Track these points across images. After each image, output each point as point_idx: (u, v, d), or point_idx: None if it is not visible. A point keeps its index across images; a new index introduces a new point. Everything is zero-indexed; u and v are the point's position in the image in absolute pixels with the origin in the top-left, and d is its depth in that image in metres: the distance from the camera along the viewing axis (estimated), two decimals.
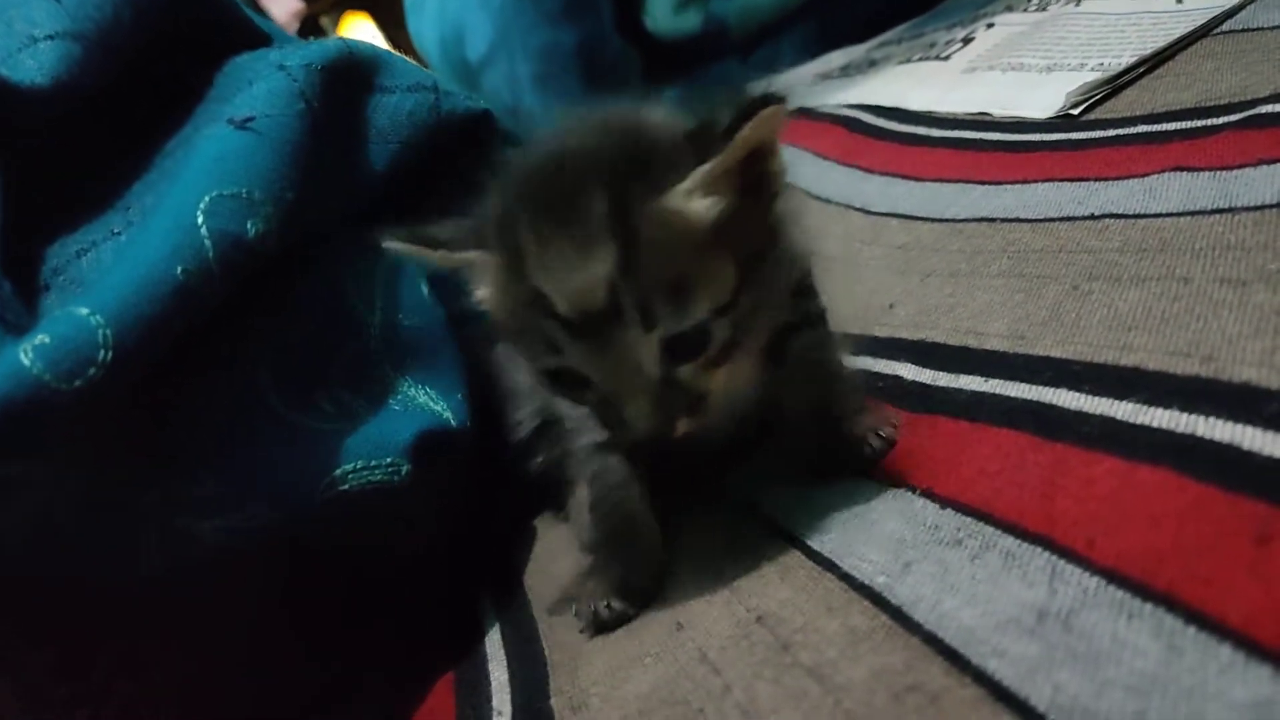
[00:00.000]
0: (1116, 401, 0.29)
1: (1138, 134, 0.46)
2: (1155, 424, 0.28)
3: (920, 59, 0.78)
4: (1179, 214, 0.38)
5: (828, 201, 0.62)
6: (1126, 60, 0.53)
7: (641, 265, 0.29)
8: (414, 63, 0.54)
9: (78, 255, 0.39)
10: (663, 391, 0.30)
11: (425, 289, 0.47)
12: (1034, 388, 0.33)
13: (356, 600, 0.43)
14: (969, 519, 0.29)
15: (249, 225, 0.38)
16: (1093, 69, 0.55)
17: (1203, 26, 0.53)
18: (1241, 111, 0.41)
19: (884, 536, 0.30)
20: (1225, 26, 0.52)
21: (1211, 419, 0.26)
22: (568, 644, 0.36)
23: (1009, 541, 0.27)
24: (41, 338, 0.31)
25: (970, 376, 0.36)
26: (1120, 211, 0.41)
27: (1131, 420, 0.28)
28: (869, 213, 0.58)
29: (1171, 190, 0.40)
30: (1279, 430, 0.25)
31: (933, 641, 0.25)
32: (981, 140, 0.57)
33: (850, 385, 0.37)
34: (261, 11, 0.56)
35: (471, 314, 0.48)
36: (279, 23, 0.63)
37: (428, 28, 1.17)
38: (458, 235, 0.33)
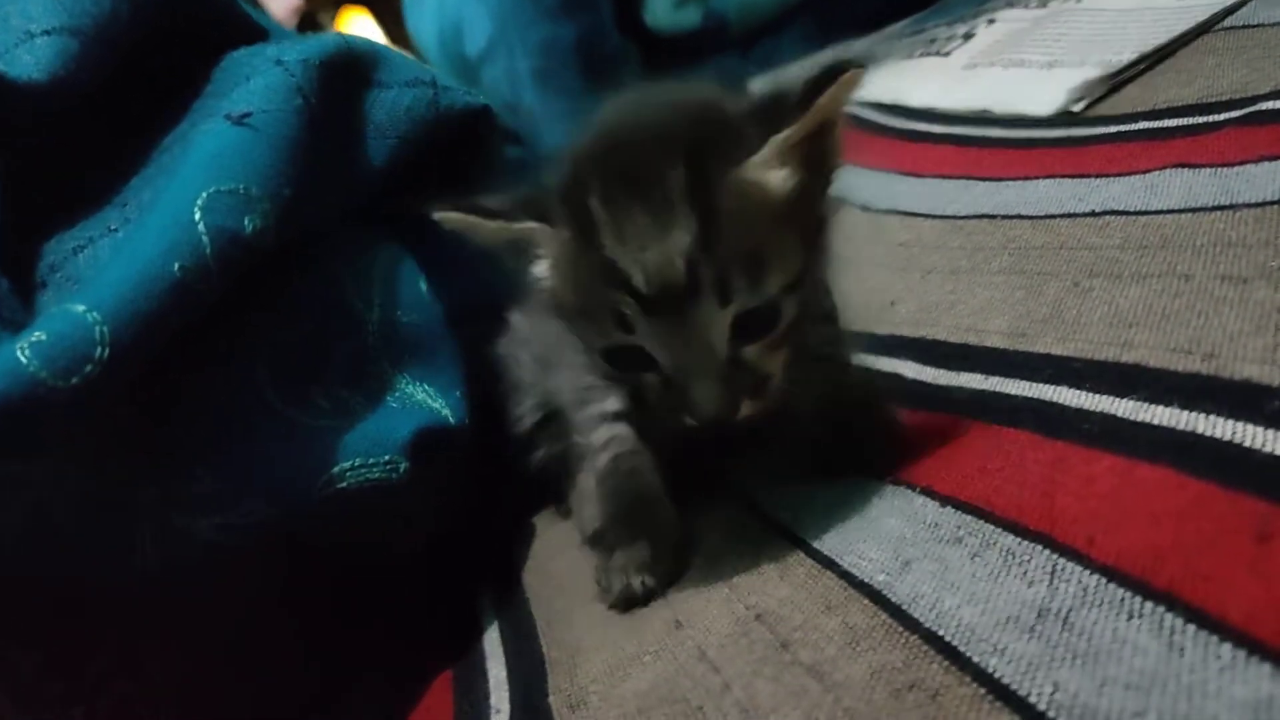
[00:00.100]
0: (1117, 399, 0.29)
1: (1139, 130, 0.46)
2: (1156, 421, 0.27)
3: (921, 55, 0.77)
4: (1180, 211, 0.38)
5: None
6: (1128, 57, 0.53)
7: (721, 238, 0.28)
8: (412, 58, 0.54)
9: (75, 252, 0.39)
10: (730, 372, 0.29)
11: (424, 286, 0.47)
12: (1034, 385, 0.33)
13: (354, 598, 0.43)
14: (969, 516, 0.29)
15: (246, 221, 0.37)
16: (1094, 65, 0.55)
17: (1204, 23, 0.53)
18: (1243, 108, 0.41)
19: (884, 534, 0.30)
20: (1227, 23, 0.52)
21: (1212, 416, 0.26)
22: (566, 642, 0.36)
23: (1009, 539, 0.27)
24: (38, 335, 0.31)
25: (971, 374, 0.36)
26: (1121, 208, 0.41)
27: (1132, 418, 0.28)
28: (870, 210, 0.57)
29: (1173, 187, 0.40)
30: (1279, 428, 0.24)
31: (932, 639, 0.24)
32: (983, 137, 0.57)
33: (860, 383, 0.37)
34: (259, 6, 0.56)
35: (470, 311, 0.48)
36: (277, 18, 0.62)
37: (426, 23, 1.16)
38: (514, 206, 0.31)
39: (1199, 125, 0.43)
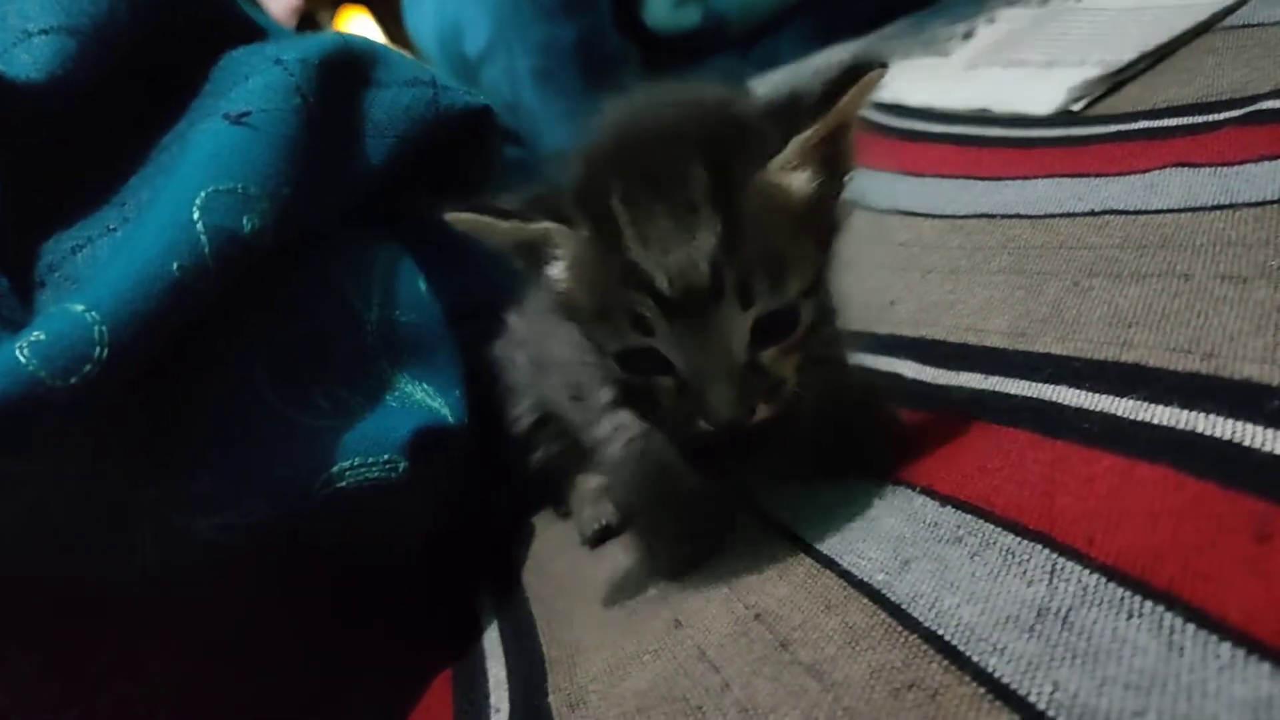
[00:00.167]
0: (1116, 398, 0.29)
1: (1139, 130, 0.46)
2: (1155, 421, 0.27)
3: (921, 54, 0.77)
4: (1180, 210, 0.38)
5: None
6: (1128, 56, 0.53)
7: (745, 241, 0.28)
8: (411, 57, 0.54)
9: (73, 251, 0.39)
10: (746, 376, 0.29)
11: (423, 285, 0.47)
12: (1034, 385, 0.33)
13: (354, 598, 0.43)
14: (968, 516, 0.29)
15: (245, 221, 0.37)
16: (1094, 65, 0.55)
17: (1204, 22, 0.53)
18: (1243, 107, 0.41)
19: (883, 533, 0.30)
20: (1227, 22, 0.52)
21: (1212, 416, 0.26)
22: (566, 641, 0.36)
23: (1008, 539, 0.27)
24: (37, 335, 0.31)
25: (970, 374, 0.36)
26: (1121, 207, 0.41)
27: (1131, 417, 0.28)
28: (869, 209, 0.57)
29: (1172, 186, 0.40)
30: (1279, 427, 0.24)
31: (932, 639, 0.24)
32: (982, 136, 0.57)
33: (861, 384, 0.37)
34: (257, 5, 0.56)
35: (470, 310, 0.48)
36: (276, 17, 0.62)
37: (426, 22, 1.16)
38: (529, 205, 0.31)
39: (1199, 124, 0.43)
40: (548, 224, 0.30)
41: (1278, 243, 0.32)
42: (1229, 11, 0.52)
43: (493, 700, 0.36)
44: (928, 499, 0.31)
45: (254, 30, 0.49)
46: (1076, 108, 0.53)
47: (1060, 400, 0.31)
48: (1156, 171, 0.41)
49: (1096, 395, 0.30)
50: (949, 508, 0.29)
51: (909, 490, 0.32)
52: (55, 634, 0.36)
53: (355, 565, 0.43)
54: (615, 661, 0.32)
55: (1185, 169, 0.40)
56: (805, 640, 0.27)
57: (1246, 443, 0.25)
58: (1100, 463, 0.27)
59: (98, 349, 0.31)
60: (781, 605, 0.30)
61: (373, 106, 0.48)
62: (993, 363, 0.36)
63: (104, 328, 0.32)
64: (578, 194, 0.30)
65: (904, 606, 0.26)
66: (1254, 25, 0.49)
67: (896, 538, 0.29)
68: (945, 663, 0.23)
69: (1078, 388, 0.31)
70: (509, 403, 0.45)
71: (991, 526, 0.27)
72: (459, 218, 0.31)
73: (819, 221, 0.30)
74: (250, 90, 0.42)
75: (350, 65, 0.47)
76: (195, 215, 0.36)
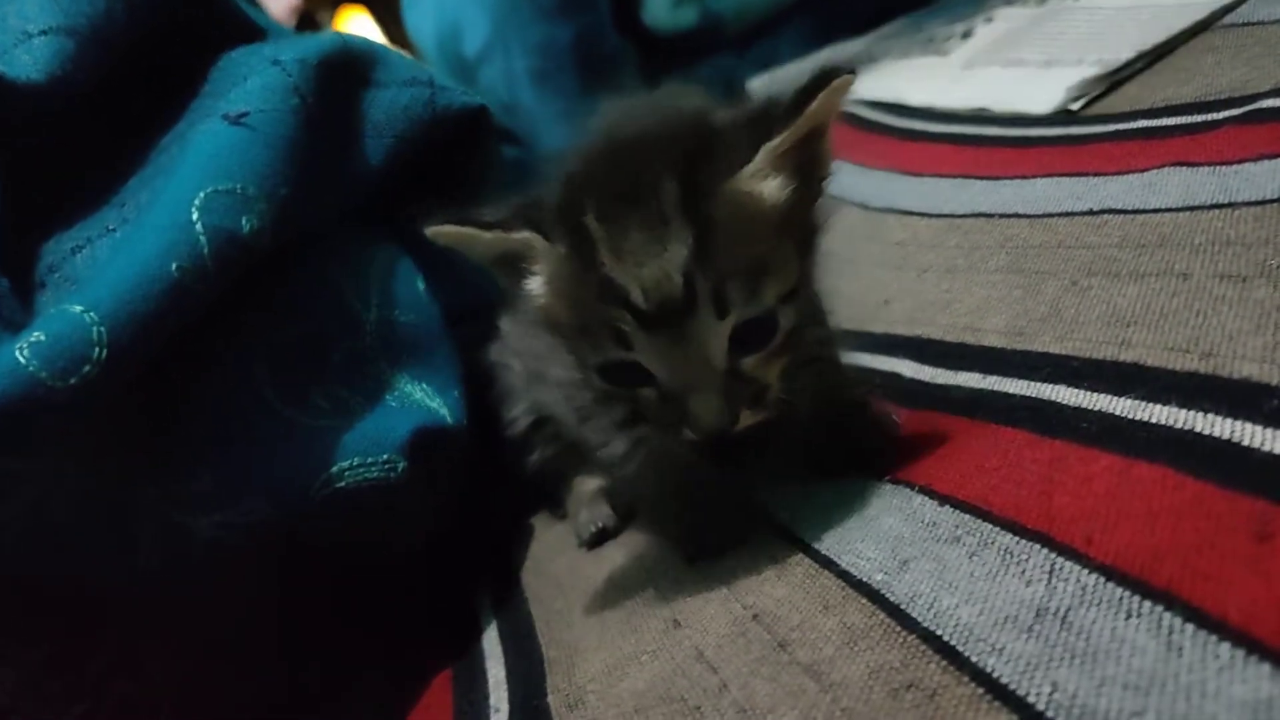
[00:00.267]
0: (1115, 398, 0.29)
1: (1137, 129, 0.46)
2: (1154, 420, 0.27)
3: (919, 54, 0.77)
4: (1178, 209, 0.38)
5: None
6: (1126, 55, 0.53)
7: (717, 250, 0.28)
8: (410, 57, 0.54)
9: (73, 252, 0.39)
10: (728, 384, 0.29)
11: (421, 285, 0.47)
12: (1032, 384, 0.33)
13: (353, 597, 0.43)
14: (967, 516, 0.29)
15: (244, 221, 0.37)
16: (1092, 64, 0.55)
17: (1203, 20, 0.53)
18: (1242, 106, 0.41)
19: (882, 533, 0.30)
20: (1226, 20, 0.52)
21: (1210, 415, 0.26)
22: (565, 641, 0.36)
23: (1007, 538, 0.27)
24: (37, 335, 0.31)
25: (968, 373, 0.36)
26: (1119, 207, 0.41)
27: (1130, 416, 0.28)
28: (866, 208, 0.57)
29: (1171, 185, 0.40)
30: (1278, 427, 0.24)
31: (930, 639, 0.24)
32: (980, 135, 0.57)
33: (855, 383, 0.37)
34: (257, 5, 0.56)
35: (468, 311, 0.48)
36: (275, 17, 0.62)
37: (424, 23, 1.16)
38: (509, 216, 0.31)
39: (1198, 124, 0.43)
40: (529, 234, 0.30)
41: (1277, 242, 0.32)
42: (1228, 10, 0.52)
43: (492, 700, 0.36)
44: (926, 498, 0.31)
45: (253, 30, 0.49)
46: (1075, 107, 0.53)
47: (1058, 399, 0.31)
48: (1155, 170, 0.41)
49: (1095, 394, 0.30)
50: (947, 507, 0.29)
51: (907, 490, 0.32)
52: (56, 633, 0.36)
53: (355, 565, 0.43)
54: (614, 662, 0.32)
55: (1184, 168, 0.40)
56: (803, 640, 0.27)
57: (1245, 442, 0.25)
58: (1099, 462, 0.27)
59: (97, 350, 0.32)
60: (780, 605, 0.30)
61: (371, 107, 0.48)
62: (991, 362, 0.36)
63: (103, 328, 0.32)
64: (555, 212, 0.30)
65: (902, 606, 0.26)
66: (1253, 24, 0.49)
67: (895, 537, 0.29)
68: (944, 663, 0.23)
69: (1076, 387, 0.31)
70: (505, 405, 0.45)
71: (990, 526, 0.27)
72: (441, 231, 0.31)
73: (796, 226, 0.30)
74: (249, 91, 0.42)
75: (349, 65, 0.47)
76: (194, 216, 0.36)
